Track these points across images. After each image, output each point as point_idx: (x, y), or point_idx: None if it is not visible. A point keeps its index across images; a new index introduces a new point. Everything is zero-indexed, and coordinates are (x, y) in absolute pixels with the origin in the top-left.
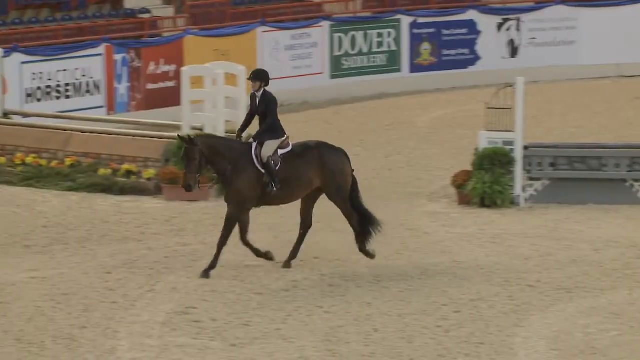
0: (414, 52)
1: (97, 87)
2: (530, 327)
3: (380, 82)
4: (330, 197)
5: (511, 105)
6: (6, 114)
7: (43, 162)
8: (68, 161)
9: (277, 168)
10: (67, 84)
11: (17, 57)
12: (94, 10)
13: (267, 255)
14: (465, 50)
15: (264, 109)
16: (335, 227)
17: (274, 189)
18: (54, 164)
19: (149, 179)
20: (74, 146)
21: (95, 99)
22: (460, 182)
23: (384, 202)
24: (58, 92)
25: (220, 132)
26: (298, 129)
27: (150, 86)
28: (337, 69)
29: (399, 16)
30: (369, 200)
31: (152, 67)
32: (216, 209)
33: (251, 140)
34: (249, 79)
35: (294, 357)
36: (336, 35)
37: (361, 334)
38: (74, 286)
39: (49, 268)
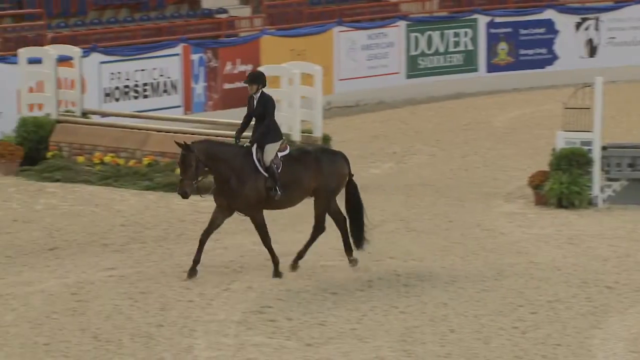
0: (491, 52)
1: (174, 86)
2: (609, 329)
3: (456, 81)
4: (316, 195)
5: (589, 105)
6: (85, 114)
7: (121, 161)
8: (145, 160)
9: (278, 171)
10: (144, 84)
11: (96, 57)
12: (171, 11)
13: (196, 264)
14: (543, 50)
15: (262, 111)
16: (411, 227)
17: (278, 193)
18: (131, 163)
19: None
20: (152, 145)
21: (172, 99)
22: (537, 182)
23: (460, 202)
24: (136, 91)
25: (296, 131)
26: (374, 128)
27: (226, 86)
28: (414, 68)
29: (475, 16)
30: (445, 201)
31: (228, 66)
32: (292, 208)
33: (248, 144)
34: (245, 82)
35: (369, 357)
36: (412, 34)
37: (437, 334)
38: (151, 285)
39: (126, 266)
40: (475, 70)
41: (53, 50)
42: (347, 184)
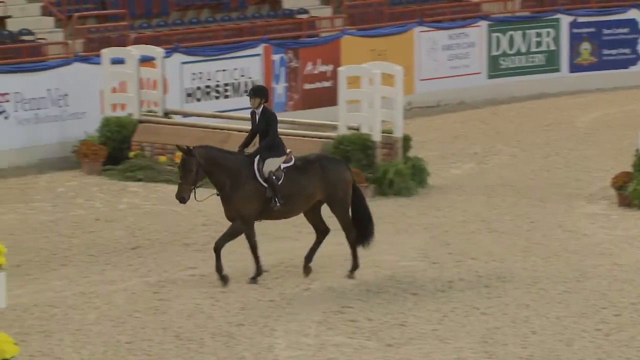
0: (574, 52)
1: None
2: None
3: (539, 82)
4: (332, 209)
5: None
6: (167, 114)
7: None
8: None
9: (279, 183)
10: (225, 84)
11: (178, 58)
12: (253, 11)
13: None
14: (627, 50)
15: (264, 127)
16: (492, 228)
17: (277, 204)
18: None
19: None
20: (232, 145)
21: None
22: (620, 183)
23: (541, 203)
24: (217, 91)
25: (376, 132)
26: (455, 129)
27: (307, 86)
28: (495, 68)
29: (558, 15)
30: (527, 202)
31: (309, 67)
32: (372, 208)
33: (252, 152)
34: (247, 95)
35: (450, 358)
36: (494, 34)
37: (518, 336)
38: (231, 284)
39: (207, 266)
40: (558, 70)
41: (136, 51)
42: (353, 191)
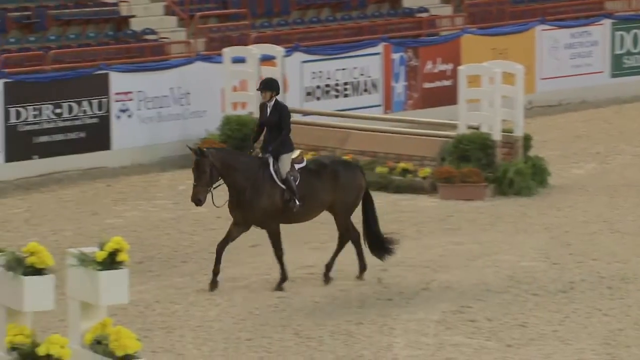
0: None
1: (374, 85)
2: None
3: None
4: (336, 212)
5: None
6: None
7: None
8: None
9: (296, 183)
10: (345, 83)
11: (298, 57)
12: (373, 10)
13: (216, 275)
14: None
15: (277, 120)
16: (614, 228)
17: (297, 204)
18: None
19: (424, 178)
20: (352, 144)
21: (372, 98)
22: None
23: None
24: (337, 90)
25: (497, 131)
26: (577, 128)
27: (426, 85)
28: (618, 67)
29: None
30: None
31: (429, 65)
32: (491, 208)
33: (267, 155)
34: (258, 89)
35: (571, 359)
36: (618, 33)
37: None
38: (350, 283)
39: (337, 264)
40: None
41: (256, 50)
42: (364, 197)
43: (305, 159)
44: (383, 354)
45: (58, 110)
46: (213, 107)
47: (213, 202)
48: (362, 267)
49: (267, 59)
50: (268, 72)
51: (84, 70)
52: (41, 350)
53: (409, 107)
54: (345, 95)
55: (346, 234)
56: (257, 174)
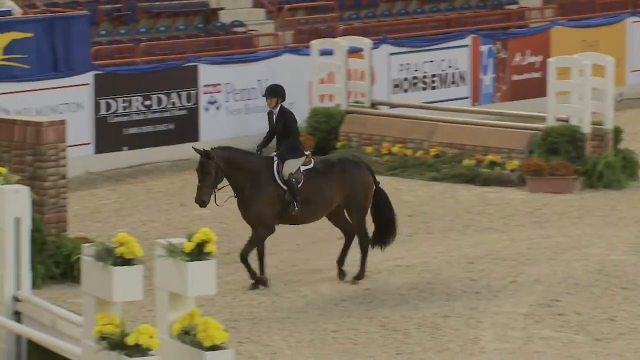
0: None
1: (462, 78)
2: None
3: None
4: (349, 212)
5: None
6: (374, 104)
7: (408, 151)
8: (432, 151)
9: (299, 186)
10: (433, 75)
11: (385, 49)
12: (461, 2)
13: (260, 280)
14: None
15: (282, 127)
16: None
17: (296, 208)
18: (418, 153)
19: (512, 170)
20: (439, 136)
21: (460, 90)
22: None
23: None
24: (424, 82)
25: (586, 123)
26: None
27: (515, 77)
28: None
29: None
30: None
31: (517, 58)
32: (580, 201)
33: (273, 154)
34: (263, 95)
35: None
36: None
37: None
38: (437, 275)
39: (412, 257)
40: None
41: (344, 42)
42: (376, 194)
43: (313, 161)
44: (470, 347)
45: (147, 102)
46: (300, 99)
47: (215, 202)
48: (341, 263)
49: (354, 51)
50: (355, 64)
51: (173, 63)
52: (130, 340)
53: (497, 99)
54: (433, 88)
55: (362, 238)
56: (260, 173)
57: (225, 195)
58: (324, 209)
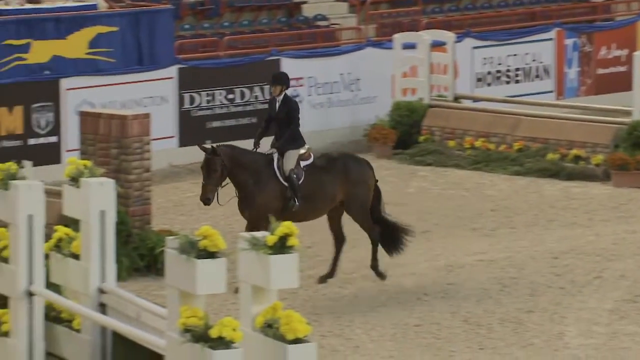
0: None
1: (546, 71)
2: None
3: None
4: (349, 210)
5: None
6: (457, 98)
7: (491, 146)
8: (516, 145)
9: (300, 182)
10: (516, 69)
11: (469, 42)
12: None
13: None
14: None
15: (285, 115)
16: None
17: (296, 204)
18: (501, 148)
19: (597, 165)
20: (522, 131)
21: (544, 84)
22: None
23: None
24: (508, 76)
25: None
26: None
27: (600, 71)
28: None
29: None
30: None
31: (603, 51)
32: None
33: (273, 150)
34: (268, 83)
35: None
36: None
37: None
38: (520, 270)
39: (495, 251)
40: None
41: (427, 36)
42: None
43: (312, 156)
44: (554, 343)
45: (230, 96)
46: (383, 93)
47: (217, 201)
48: (332, 272)
49: (437, 45)
50: (438, 58)
51: (256, 56)
52: (214, 333)
53: (581, 93)
54: (517, 81)
55: (370, 231)
56: (261, 171)
57: (227, 194)
58: (325, 206)
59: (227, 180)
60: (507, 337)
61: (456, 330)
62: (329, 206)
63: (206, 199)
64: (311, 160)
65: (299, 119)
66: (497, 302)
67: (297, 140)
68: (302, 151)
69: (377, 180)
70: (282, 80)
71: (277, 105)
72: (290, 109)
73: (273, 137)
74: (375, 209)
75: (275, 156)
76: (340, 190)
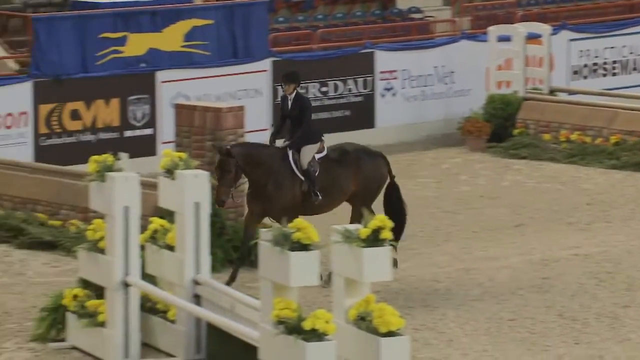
0: None
1: None
2: None
3: None
4: (353, 200)
5: None
6: (552, 91)
7: (587, 139)
8: (613, 139)
9: (316, 174)
10: (613, 61)
11: (565, 35)
12: None
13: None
14: None
15: (298, 113)
16: None
17: (319, 197)
18: (598, 141)
19: None
20: (619, 124)
21: None
22: None
23: None
24: (604, 69)
25: None
26: None
27: None
28: None
29: None
30: None
31: None
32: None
33: (286, 144)
34: (280, 83)
35: None
36: None
37: None
38: (617, 265)
39: (591, 245)
40: None
41: (522, 28)
42: (388, 186)
43: (326, 148)
44: None
45: (324, 89)
46: (477, 85)
47: (232, 199)
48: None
49: (533, 38)
50: (534, 50)
51: (350, 49)
52: (307, 325)
53: None
54: (614, 74)
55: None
56: (278, 166)
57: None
58: (340, 198)
59: (243, 178)
60: (603, 332)
61: (551, 325)
62: (343, 198)
63: (220, 201)
64: (325, 152)
65: (311, 115)
66: (593, 297)
67: (312, 136)
68: (318, 146)
69: (394, 176)
70: (295, 78)
71: (289, 103)
72: (303, 106)
73: (287, 135)
74: (395, 203)
75: (290, 151)
76: (353, 183)
